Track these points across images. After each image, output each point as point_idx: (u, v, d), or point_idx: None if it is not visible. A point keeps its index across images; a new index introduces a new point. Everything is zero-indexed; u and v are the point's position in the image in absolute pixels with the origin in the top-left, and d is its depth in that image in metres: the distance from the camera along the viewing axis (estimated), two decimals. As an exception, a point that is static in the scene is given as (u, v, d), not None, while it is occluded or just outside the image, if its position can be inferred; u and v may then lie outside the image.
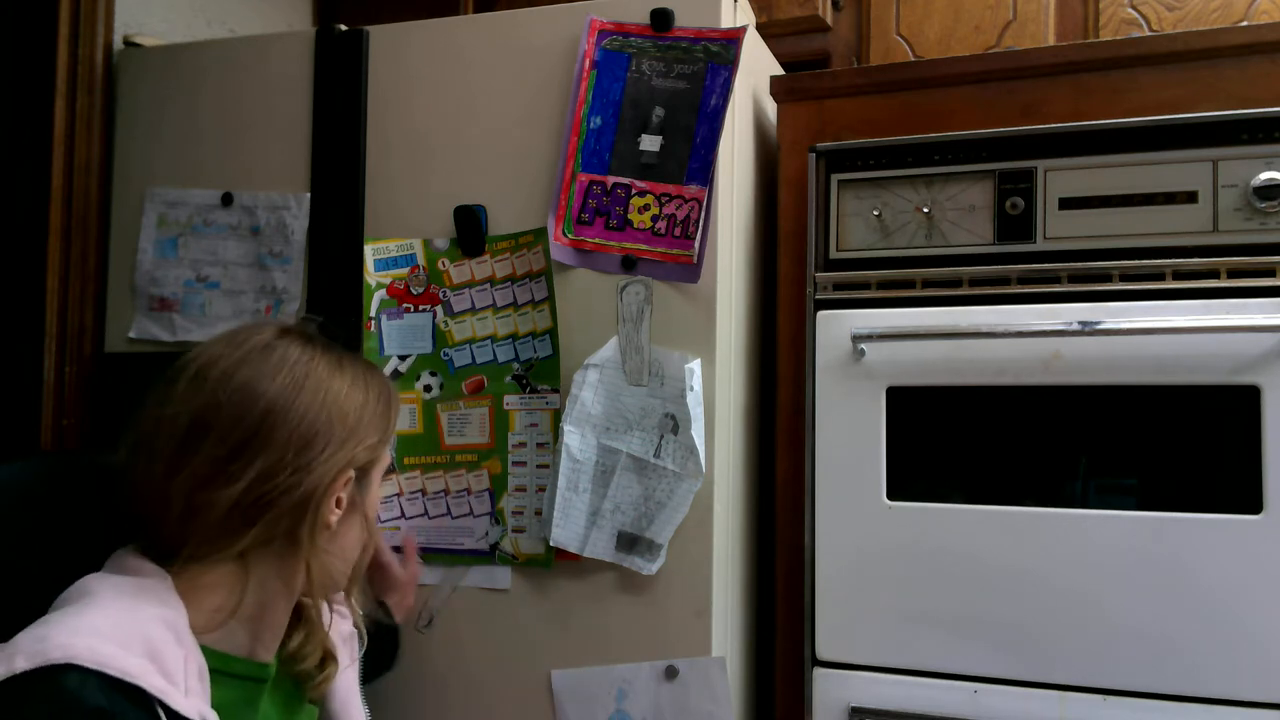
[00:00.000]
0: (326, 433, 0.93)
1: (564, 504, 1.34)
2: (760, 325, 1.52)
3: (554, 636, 1.38)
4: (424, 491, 1.44)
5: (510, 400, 1.41)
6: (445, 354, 1.44)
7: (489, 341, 1.43)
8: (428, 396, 1.44)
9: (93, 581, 0.86)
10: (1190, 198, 1.26)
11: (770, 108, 1.53)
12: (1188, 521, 1.22)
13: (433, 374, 1.44)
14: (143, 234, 1.63)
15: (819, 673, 1.36)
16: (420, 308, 1.46)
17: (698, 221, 1.33)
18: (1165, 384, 1.24)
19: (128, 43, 1.71)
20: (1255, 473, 1.20)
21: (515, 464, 1.41)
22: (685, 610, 1.32)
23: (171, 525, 0.90)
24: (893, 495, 1.34)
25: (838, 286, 1.40)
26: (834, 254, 1.41)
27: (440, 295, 1.45)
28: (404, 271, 1.46)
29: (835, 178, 1.41)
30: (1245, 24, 1.68)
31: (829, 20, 1.96)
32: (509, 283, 1.42)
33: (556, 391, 1.39)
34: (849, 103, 1.44)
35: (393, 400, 1.04)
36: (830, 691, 1.34)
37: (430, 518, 1.44)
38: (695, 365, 1.32)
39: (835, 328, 1.37)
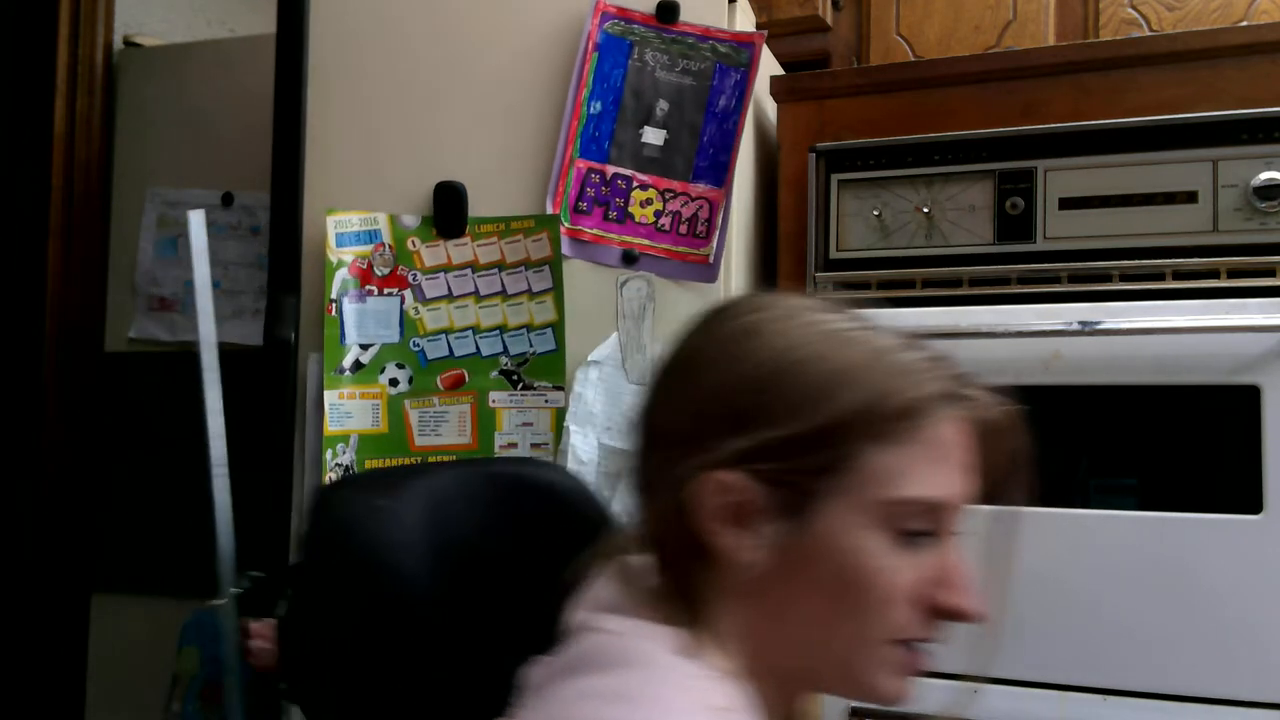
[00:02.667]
0: (719, 398, 0.62)
1: None
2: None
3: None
4: None
5: (497, 397, 1.30)
6: (415, 344, 1.29)
7: (470, 333, 1.30)
8: (393, 391, 1.29)
9: (638, 639, 0.60)
10: (1190, 198, 1.26)
11: (770, 108, 1.53)
12: (1188, 521, 1.22)
13: (400, 366, 1.30)
14: (143, 234, 1.63)
15: (819, 673, 1.35)
16: (385, 291, 1.30)
17: (708, 221, 1.32)
18: (1165, 384, 1.24)
19: (128, 43, 1.71)
20: (1255, 473, 1.20)
21: None
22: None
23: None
24: (893, 495, 1.34)
25: (838, 286, 1.40)
26: (834, 254, 1.41)
27: (410, 278, 1.31)
28: (367, 249, 1.31)
29: (835, 178, 1.41)
30: (1245, 24, 1.68)
31: (829, 20, 1.96)
32: (496, 270, 1.31)
33: (560, 389, 1.30)
34: (849, 103, 1.44)
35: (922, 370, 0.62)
36: (830, 691, 1.34)
37: None
38: None
39: (835, 328, 1.37)
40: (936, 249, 1.36)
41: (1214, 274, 1.24)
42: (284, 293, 1.32)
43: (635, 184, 1.34)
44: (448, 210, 1.31)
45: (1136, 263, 1.27)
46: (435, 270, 1.31)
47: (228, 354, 1.56)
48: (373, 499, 0.78)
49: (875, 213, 1.39)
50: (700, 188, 1.33)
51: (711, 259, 1.33)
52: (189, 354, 1.59)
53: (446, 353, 1.31)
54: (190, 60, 1.63)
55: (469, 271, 1.31)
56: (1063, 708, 1.24)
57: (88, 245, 1.65)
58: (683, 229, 1.33)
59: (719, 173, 1.33)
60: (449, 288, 1.31)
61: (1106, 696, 1.23)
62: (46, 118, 1.64)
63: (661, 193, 1.34)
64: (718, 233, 1.33)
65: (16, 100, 1.65)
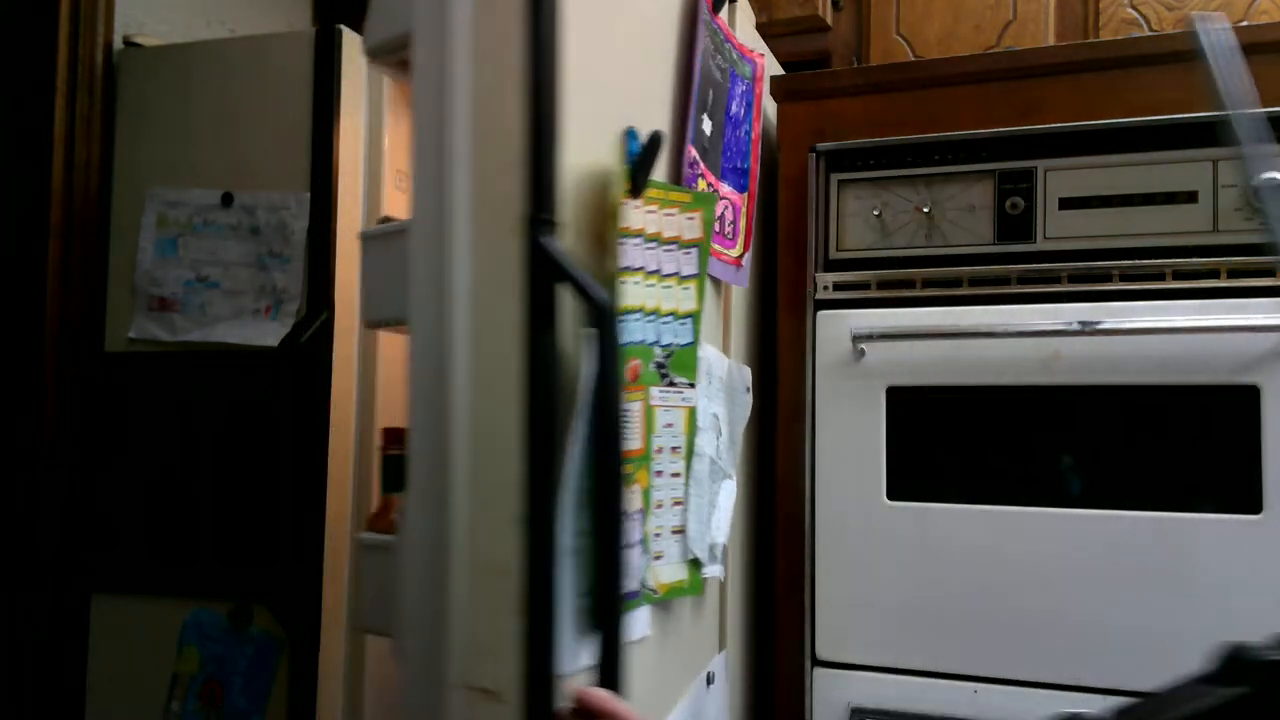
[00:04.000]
0: None
1: (707, 517, 1.15)
2: (760, 325, 1.52)
3: (673, 681, 1.14)
4: None
5: (654, 394, 1.05)
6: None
7: (639, 314, 1.03)
8: None
9: None
10: (1190, 198, 1.26)
11: (770, 108, 1.53)
12: (1188, 521, 1.22)
13: None
14: (143, 234, 1.63)
15: (819, 673, 1.36)
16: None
17: (733, 223, 1.31)
18: (1165, 384, 1.24)
19: (128, 43, 1.71)
20: (1255, 473, 1.20)
21: (656, 474, 1.06)
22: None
23: None
24: (893, 495, 1.34)
25: (838, 286, 1.40)
26: (834, 254, 1.41)
27: (615, 241, 0.99)
28: None
29: (835, 177, 1.41)
30: (1245, 24, 1.68)
31: (829, 20, 1.96)
32: (655, 244, 1.04)
33: (694, 386, 1.12)
34: (849, 103, 1.44)
35: None
36: (830, 691, 1.34)
37: None
38: (748, 370, 1.31)
39: (835, 328, 1.37)
40: (936, 249, 1.36)
41: (1214, 274, 1.24)
42: (544, 217, 0.86)
43: (700, 171, 1.22)
44: (646, 164, 0.99)
45: (1136, 263, 1.27)
46: (625, 235, 0.98)
47: (229, 356, 1.56)
48: None
49: (875, 212, 1.39)
50: (724, 188, 1.31)
51: (743, 261, 1.32)
52: (190, 354, 1.59)
53: (629, 338, 1.00)
54: (190, 60, 1.63)
55: (641, 240, 1.01)
56: (1062, 707, 1.25)
57: (88, 245, 1.65)
58: (715, 225, 1.30)
59: (738, 178, 1.31)
60: (630, 259, 1.00)
61: (1106, 696, 1.23)
62: (46, 118, 1.63)
63: (709, 185, 1.27)
64: (741, 237, 1.31)
65: (16, 100, 1.65)
